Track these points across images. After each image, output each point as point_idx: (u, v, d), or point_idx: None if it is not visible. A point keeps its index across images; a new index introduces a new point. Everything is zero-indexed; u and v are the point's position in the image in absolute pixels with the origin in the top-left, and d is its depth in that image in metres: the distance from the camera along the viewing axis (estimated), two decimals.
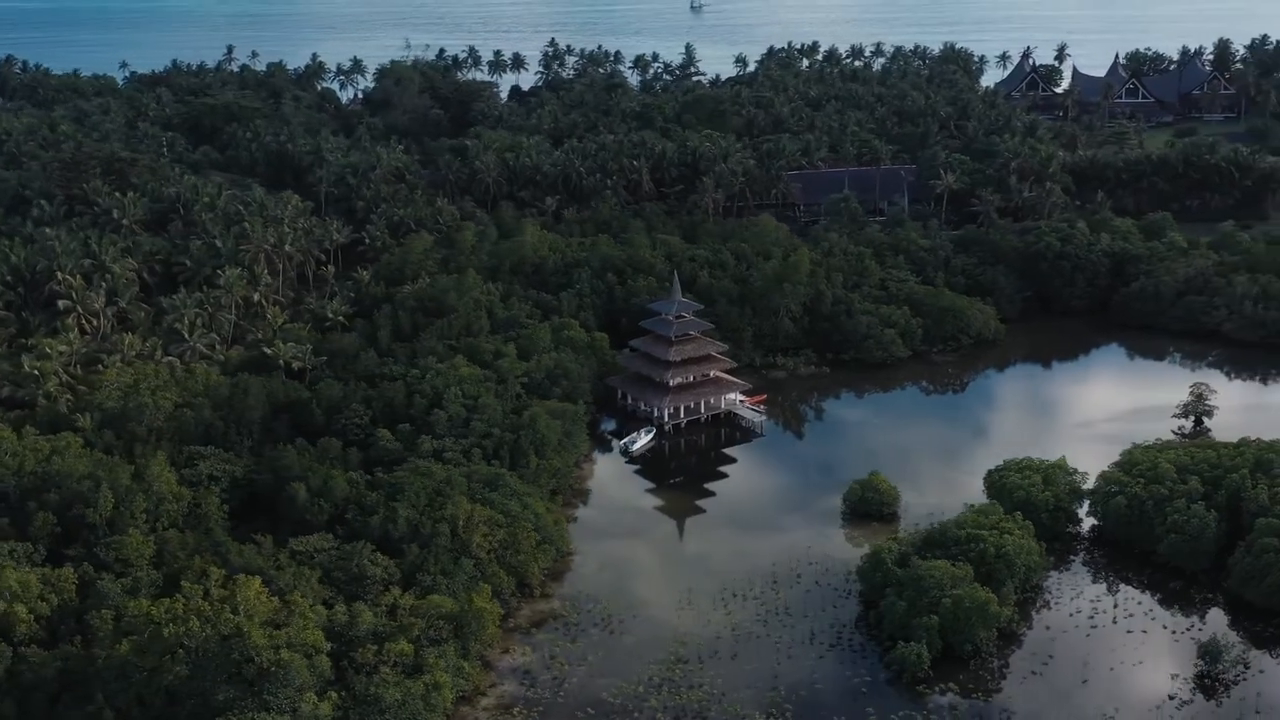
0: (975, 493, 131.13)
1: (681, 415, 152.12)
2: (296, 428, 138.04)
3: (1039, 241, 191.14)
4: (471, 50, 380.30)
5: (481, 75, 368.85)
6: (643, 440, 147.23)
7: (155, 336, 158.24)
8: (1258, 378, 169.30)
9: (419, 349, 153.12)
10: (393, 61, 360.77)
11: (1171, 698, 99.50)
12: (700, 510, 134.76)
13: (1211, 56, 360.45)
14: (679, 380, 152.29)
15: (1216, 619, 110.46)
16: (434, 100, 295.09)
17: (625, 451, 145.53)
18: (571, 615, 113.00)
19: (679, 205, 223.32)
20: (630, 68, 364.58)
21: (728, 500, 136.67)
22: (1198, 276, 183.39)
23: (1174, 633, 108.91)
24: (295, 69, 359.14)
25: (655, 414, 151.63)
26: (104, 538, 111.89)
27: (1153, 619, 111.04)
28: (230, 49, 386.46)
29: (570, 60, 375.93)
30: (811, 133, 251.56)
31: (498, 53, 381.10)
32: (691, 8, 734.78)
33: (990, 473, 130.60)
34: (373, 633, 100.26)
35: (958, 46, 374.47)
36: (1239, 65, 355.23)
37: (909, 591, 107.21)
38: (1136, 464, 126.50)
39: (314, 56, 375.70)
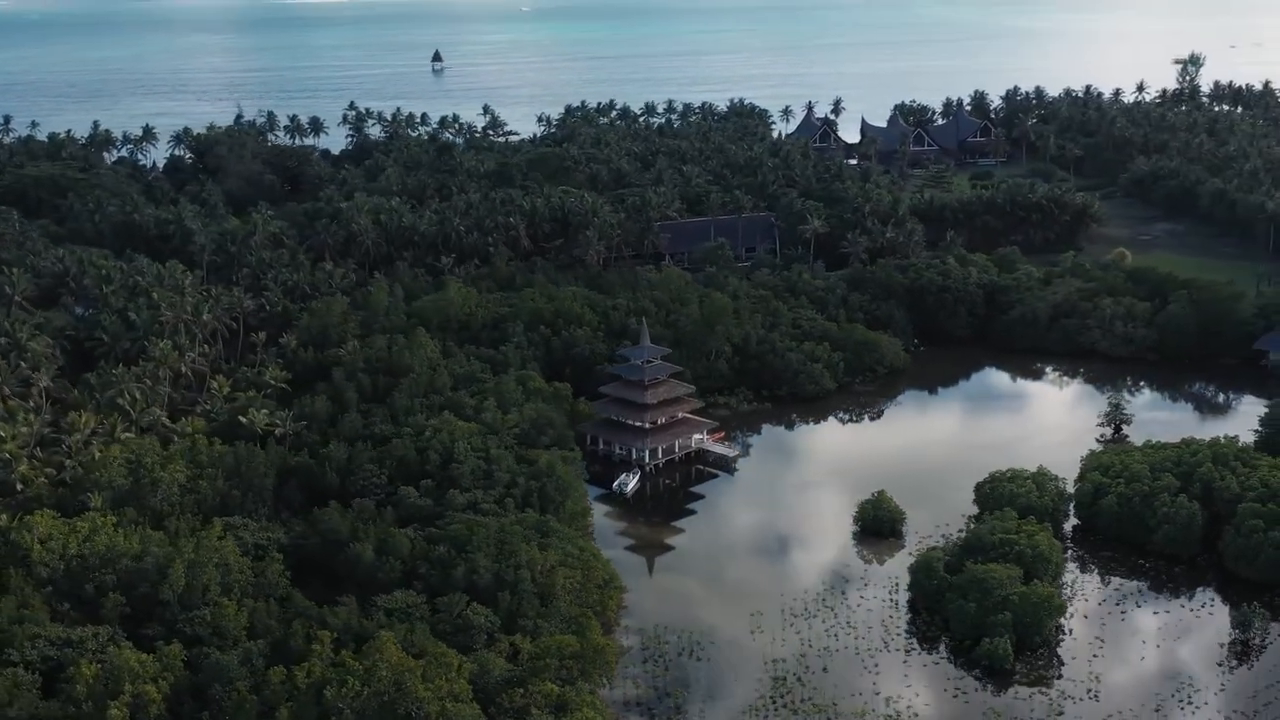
0: (965, 504, 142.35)
1: (660, 455, 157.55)
2: (308, 492, 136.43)
3: (920, 277, 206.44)
4: (270, 115, 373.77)
5: (279, 139, 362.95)
6: (632, 482, 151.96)
7: (107, 413, 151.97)
8: (1126, 387, 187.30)
9: (397, 408, 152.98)
10: (186, 128, 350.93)
11: (1220, 664, 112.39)
12: (714, 541, 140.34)
13: (970, 107, 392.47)
14: (655, 422, 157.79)
15: (1222, 595, 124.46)
16: (264, 165, 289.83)
17: (620, 493, 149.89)
18: (652, 647, 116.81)
19: (558, 259, 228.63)
20: (435, 128, 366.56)
21: (735, 530, 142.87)
22: (1064, 302, 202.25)
23: (1193, 611, 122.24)
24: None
25: (635, 456, 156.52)
26: (181, 614, 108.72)
27: (1170, 599, 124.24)
28: (7, 119, 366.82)
29: (369, 123, 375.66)
30: (661, 185, 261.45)
31: (294, 117, 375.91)
32: (433, 71, 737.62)
33: (980, 484, 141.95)
34: (505, 678, 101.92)
35: (746, 102, 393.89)
36: (993, 115, 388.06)
37: (974, 593, 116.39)
38: (1110, 466, 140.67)
39: (96, 125, 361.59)
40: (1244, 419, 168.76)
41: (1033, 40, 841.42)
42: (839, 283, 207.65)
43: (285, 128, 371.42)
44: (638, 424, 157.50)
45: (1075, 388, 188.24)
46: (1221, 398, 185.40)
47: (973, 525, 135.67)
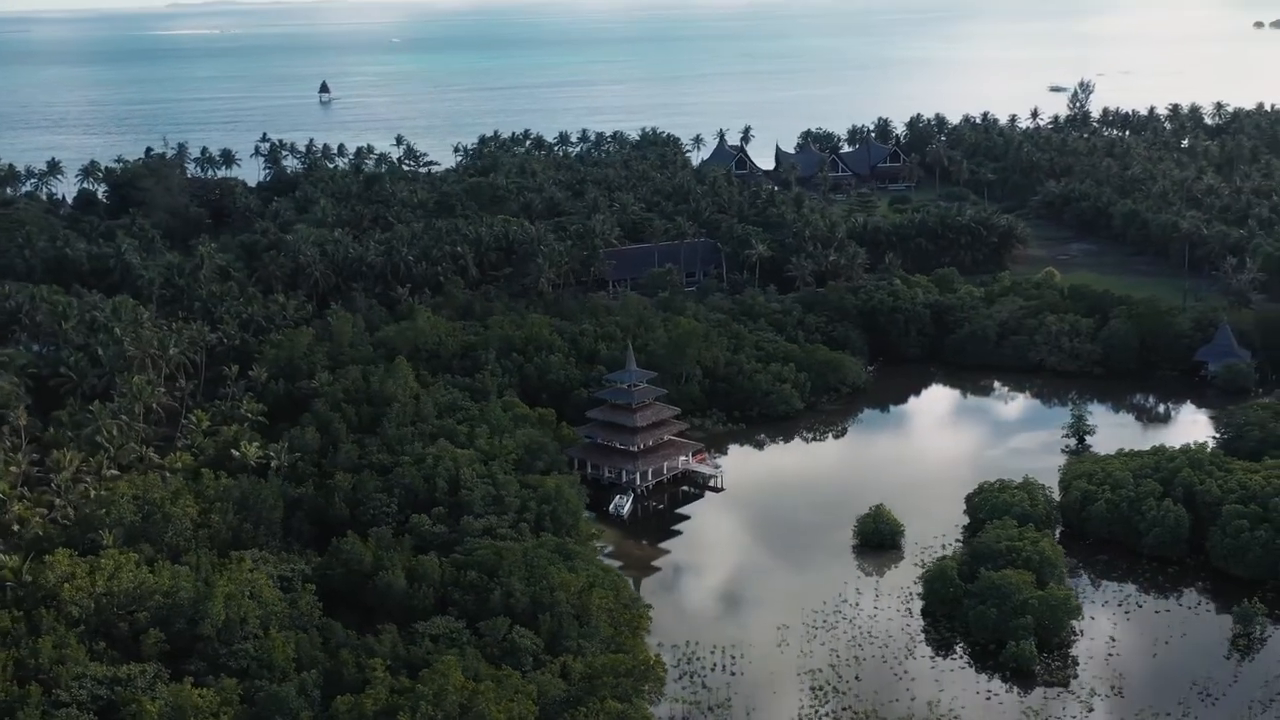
0: (954, 514, 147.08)
1: (650, 477, 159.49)
2: (317, 524, 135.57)
3: (871, 299, 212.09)
4: (181, 147, 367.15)
5: (192, 171, 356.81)
6: (627, 505, 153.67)
7: (91, 450, 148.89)
8: (1073, 400, 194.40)
9: (390, 437, 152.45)
10: (93, 161, 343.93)
11: (1227, 657, 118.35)
12: (717, 559, 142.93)
13: (874, 134, 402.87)
14: (645, 445, 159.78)
15: (1213, 593, 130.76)
16: (191, 198, 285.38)
17: (616, 515, 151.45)
18: (684, 664, 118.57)
19: (508, 287, 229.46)
20: (351, 159, 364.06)
21: (735, 548, 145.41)
22: (1010, 319, 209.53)
23: (1191, 609, 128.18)
24: None
25: (626, 478, 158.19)
26: (223, 648, 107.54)
27: (1167, 599, 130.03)
28: None
29: (283, 154, 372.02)
30: (599, 212, 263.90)
31: (204, 149, 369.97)
32: (321, 102, 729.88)
33: (970, 495, 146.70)
34: (563, 698, 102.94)
35: (660, 131, 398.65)
36: (895, 140, 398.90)
37: (993, 599, 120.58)
38: (1093, 474, 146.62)
39: None
40: (1190, 426, 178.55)
41: (909, 69, 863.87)
42: (794, 305, 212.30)
43: (196, 160, 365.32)
44: (628, 447, 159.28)
45: (1028, 402, 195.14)
46: (1162, 408, 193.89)
47: (968, 535, 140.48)
